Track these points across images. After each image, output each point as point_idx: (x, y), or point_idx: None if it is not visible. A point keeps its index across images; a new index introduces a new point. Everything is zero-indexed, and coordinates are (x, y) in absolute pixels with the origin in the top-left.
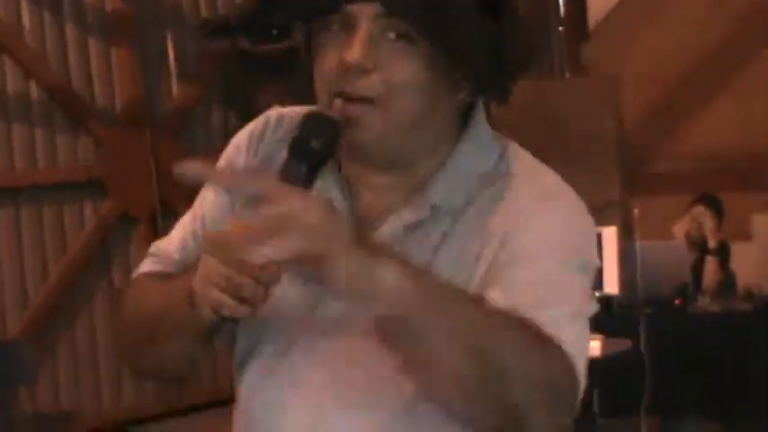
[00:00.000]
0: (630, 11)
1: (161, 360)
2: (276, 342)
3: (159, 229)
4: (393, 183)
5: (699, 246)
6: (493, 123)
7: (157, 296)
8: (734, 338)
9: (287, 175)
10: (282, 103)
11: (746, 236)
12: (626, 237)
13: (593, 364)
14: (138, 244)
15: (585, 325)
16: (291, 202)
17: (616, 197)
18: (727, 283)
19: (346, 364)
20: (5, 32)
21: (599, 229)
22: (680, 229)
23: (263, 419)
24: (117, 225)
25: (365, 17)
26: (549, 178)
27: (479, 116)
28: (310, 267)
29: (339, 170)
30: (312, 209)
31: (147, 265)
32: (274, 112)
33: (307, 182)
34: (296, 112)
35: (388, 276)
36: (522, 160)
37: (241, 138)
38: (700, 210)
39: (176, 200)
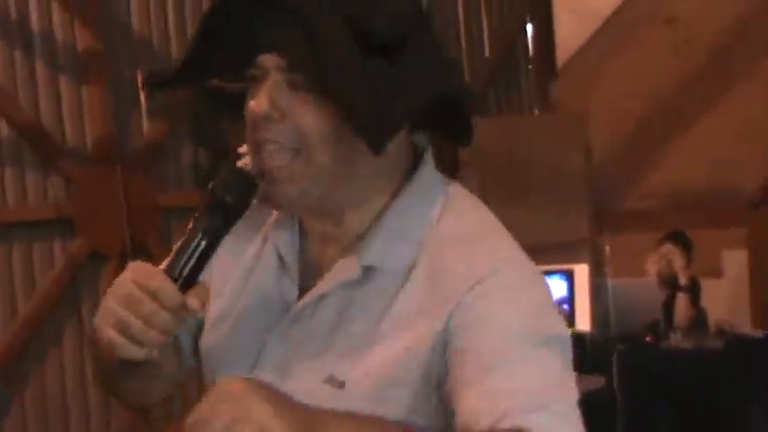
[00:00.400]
0: (598, 49)
1: (123, 395)
2: None
3: None
4: (334, 233)
5: (670, 283)
6: (454, 161)
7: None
8: (706, 375)
9: (203, 228)
10: None
11: (717, 272)
12: (597, 274)
13: None
14: (108, 282)
15: (576, 416)
16: None
17: (586, 234)
18: (698, 319)
19: None
20: None
21: (570, 266)
22: (651, 266)
23: None
24: (87, 263)
25: (273, 68)
26: (498, 243)
27: (425, 167)
28: None
29: (294, 220)
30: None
31: None
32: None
33: (217, 235)
34: None
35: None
36: (468, 217)
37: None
38: (668, 247)
39: (147, 237)
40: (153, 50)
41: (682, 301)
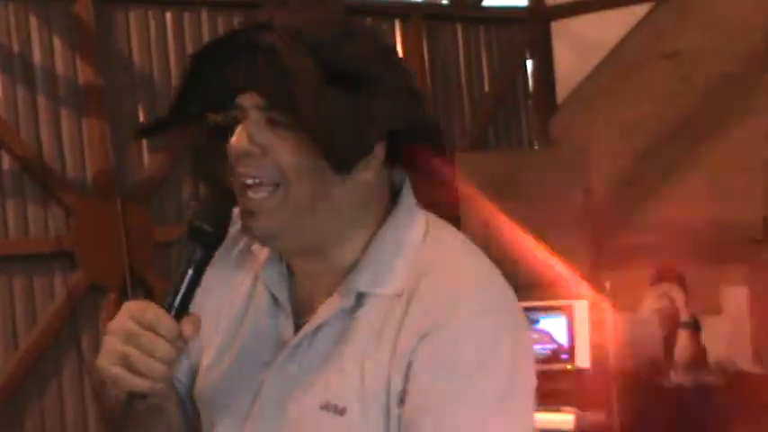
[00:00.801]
0: (598, 84)
1: None
2: (225, 425)
3: (129, 298)
4: (321, 269)
5: (670, 319)
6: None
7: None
8: (706, 412)
9: (186, 258)
10: None
11: (717, 309)
12: (597, 309)
13: None
14: (108, 314)
15: None
16: None
17: (586, 270)
18: (698, 356)
19: None
20: None
21: (570, 302)
22: (651, 303)
23: None
24: (86, 295)
25: (252, 107)
26: (471, 273)
27: (405, 199)
28: None
29: (281, 260)
30: None
31: None
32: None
33: (201, 263)
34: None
35: None
36: (446, 246)
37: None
38: (667, 285)
39: (146, 271)
40: (154, 85)
41: (682, 337)
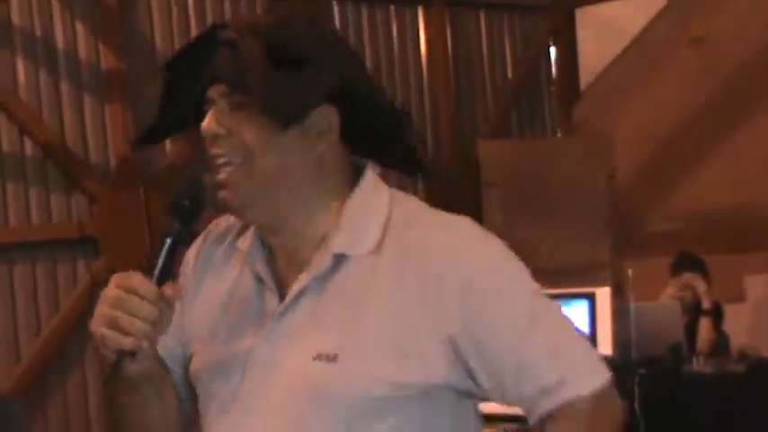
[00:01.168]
0: (622, 72)
1: (125, 418)
2: (218, 401)
3: None
4: (298, 242)
5: (692, 307)
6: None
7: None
8: (728, 400)
9: (168, 231)
10: None
11: (740, 297)
12: (619, 297)
13: None
14: None
15: (570, 322)
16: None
17: (608, 258)
18: (720, 344)
19: (281, 421)
20: (1, 90)
21: (592, 289)
22: (671, 292)
23: None
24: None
25: (218, 96)
26: (452, 223)
27: (368, 174)
28: None
29: (262, 243)
30: None
31: None
32: (213, 224)
33: (181, 236)
34: (230, 220)
35: None
36: (417, 207)
37: (189, 252)
38: (689, 275)
39: None
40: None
41: (704, 325)
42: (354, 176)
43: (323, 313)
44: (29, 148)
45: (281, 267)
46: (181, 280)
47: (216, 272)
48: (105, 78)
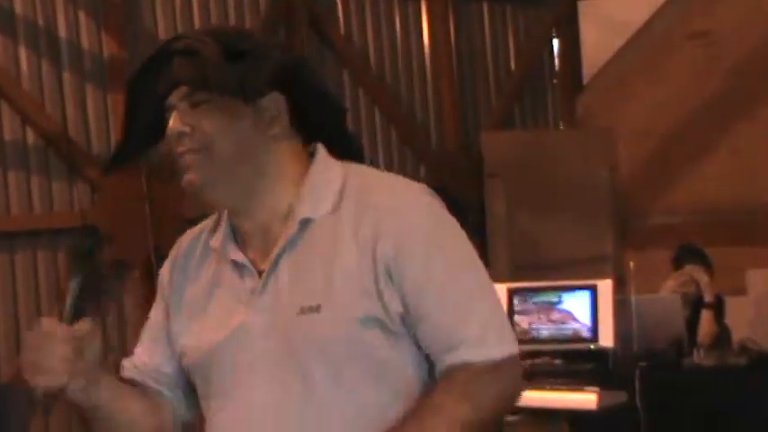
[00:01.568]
0: (625, 64)
1: None
2: (217, 385)
3: (154, 275)
4: (265, 220)
5: (694, 300)
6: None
7: None
8: (728, 393)
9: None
10: None
11: (741, 290)
12: (621, 290)
13: (589, 416)
14: (132, 290)
15: (493, 295)
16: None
17: (610, 250)
18: (722, 337)
19: (281, 379)
20: (3, 79)
21: (594, 281)
22: (672, 285)
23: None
24: (111, 271)
25: (178, 99)
26: (400, 185)
27: (320, 153)
28: None
29: (234, 235)
30: None
31: (125, 371)
32: (176, 245)
33: (84, 275)
34: (200, 226)
35: None
36: (370, 173)
37: (162, 270)
38: (691, 267)
39: (171, 246)
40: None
41: (706, 318)
42: (309, 158)
43: (300, 272)
44: (31, 136)
45: (254, 250)
46: (158, 297)
47: (194, 277)
48: (108, 67)
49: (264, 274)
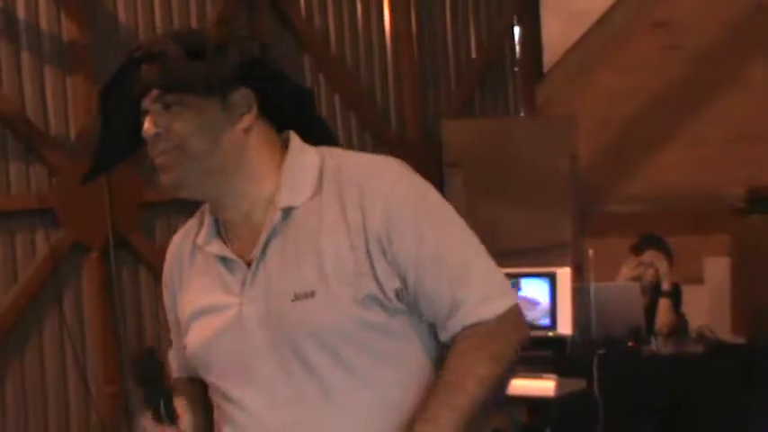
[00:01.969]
0: (585, 53)
1: None
2: (225, 364)
3: (111, 259)
4: (247, 209)
5: (652, 288)
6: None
7: None
8: (686, 380)
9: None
10: None
11: (698, 279)
12: (580, 277)
13: (547, 403)
14: (90, 273)
15: (482, 250)
16: None
17: (569, 238)
18: (679, 325)
19: (281, 367)
20: None
21: (553, 269)
22: (628, 272)
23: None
24: (69, 254)
25: (150, 103)
26: (376, 163)
27: (293, 141)
28: None
29: (217, 230)
30: None
31: (174, 370)
32: (175, 235)
33: (157, 395)
34: (189, 223)
35: None
36: (344, 155)
37: (164, 267)
38: (652, 253)
39: (129, 231)
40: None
41: (663, 306)
42: (284, 147)
43: (289, 260)
44: None
45: (240, 240)
46: (165, 299)
47: (187, 275)
48: (68, 50)
49: (253, 265)
